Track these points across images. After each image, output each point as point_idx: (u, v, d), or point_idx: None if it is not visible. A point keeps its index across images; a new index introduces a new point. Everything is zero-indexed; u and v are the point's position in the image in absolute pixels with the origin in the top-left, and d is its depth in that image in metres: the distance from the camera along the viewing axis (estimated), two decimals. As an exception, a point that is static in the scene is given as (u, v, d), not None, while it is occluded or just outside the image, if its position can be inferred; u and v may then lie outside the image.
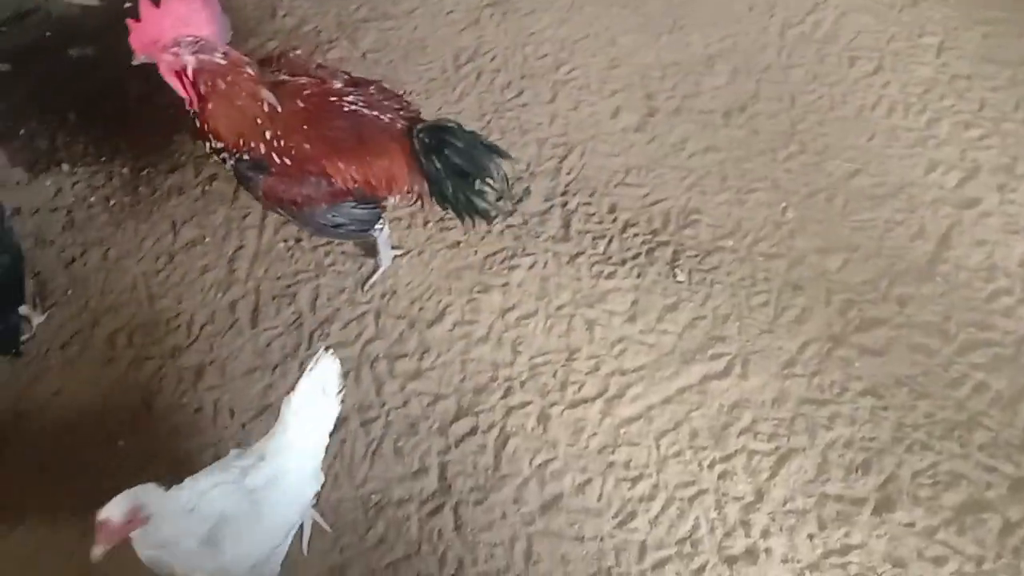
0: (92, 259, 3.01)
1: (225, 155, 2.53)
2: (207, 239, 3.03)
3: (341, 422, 2.59)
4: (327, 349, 2.11)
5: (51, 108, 3.40)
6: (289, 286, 2.90)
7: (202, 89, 2.43)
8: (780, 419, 2.56)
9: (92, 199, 3.15)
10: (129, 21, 2.40)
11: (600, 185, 3.09)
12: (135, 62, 2.45)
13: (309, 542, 2.38)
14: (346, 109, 2.53)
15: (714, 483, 2.46)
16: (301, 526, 2.33)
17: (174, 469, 2.54)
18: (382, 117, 2.56)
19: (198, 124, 2.51)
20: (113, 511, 1.75)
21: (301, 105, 2.49)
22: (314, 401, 2.09)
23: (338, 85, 2.57)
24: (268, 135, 2.46)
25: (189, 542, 1.88)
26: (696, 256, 2.91)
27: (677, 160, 3.14)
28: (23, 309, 2.75)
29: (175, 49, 2.38)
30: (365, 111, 2.55)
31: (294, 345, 2.77)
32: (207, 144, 2.53)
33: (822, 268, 2.87)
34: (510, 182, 2.73)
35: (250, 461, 2.03)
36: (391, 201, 2.71)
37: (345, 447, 2.59)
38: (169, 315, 2.85)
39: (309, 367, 2.08)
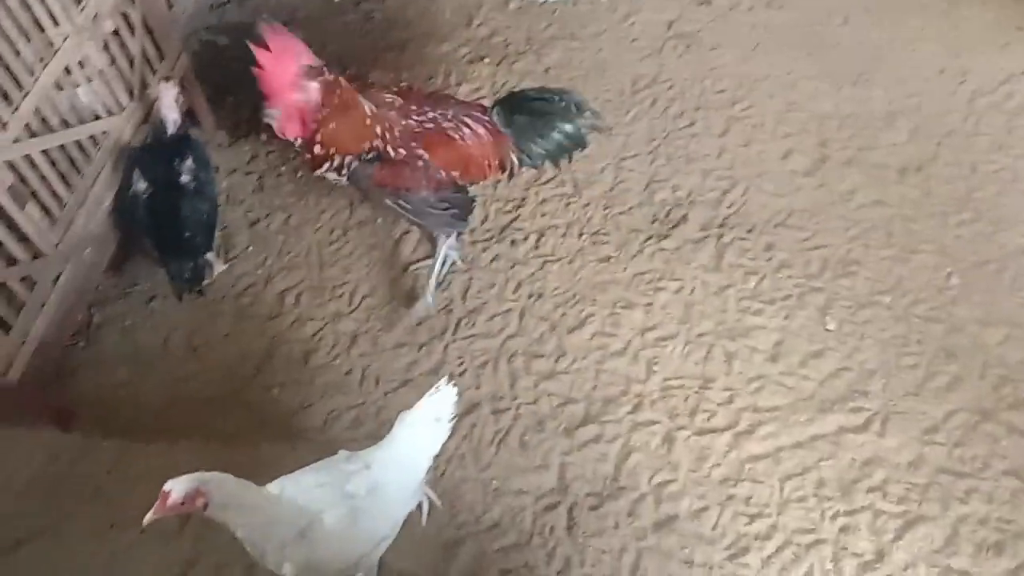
0: (274, 223, 3.28)
1: (344, 166, 2.63)
2: (379, 220, 3.24)
3: (473, 407, 2.74)
4: (450, 379, 2.17)
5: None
6: (445, 275, 3.06)
7: (323, 113, 2.53)
8: (914, 484, 2.48)
9: (282, 169, 3.44)
10: (257, 72, 2.51)
11: (760, 223, 3.10)
12: (268, 119, 2.57)
13: (428, 514, 2.51)
14: (431, 106, 2.71)
15: (834, 535, 2.42)
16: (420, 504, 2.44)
17: (319, 423, 2.76)
18: (464, 108, 2.77)
19: (317, 150, 2.59)
20: (176, 487, 1.77)
21: (395, 103, 2.66)
22: (427, 424, 2.14)
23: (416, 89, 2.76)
24: (379, 131, 2.60)
25: (283, 534, 1.92)
26: (850, 307, 2.86)
27: (844, 210, 3.11)
28: (210, 256, 3.04)
29: (301, 83, 2.49)
30: (447, 106, 2.74)
31: (441, 328, 2.93)
32: (328, 164, 2.62)
33: (981, 340, 2.76)
34: (585, 106, 2.78)
35: (356, 467, 2.07)
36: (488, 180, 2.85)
37: (475, 431, 2.70)
38: (335, 283, 3.07)
39: (430, 392, 2.15)
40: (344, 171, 2.64)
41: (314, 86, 2.50)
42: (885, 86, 3.47)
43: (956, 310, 2.83)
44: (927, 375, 2.69)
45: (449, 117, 2.71)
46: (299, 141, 2.61)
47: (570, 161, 2.85)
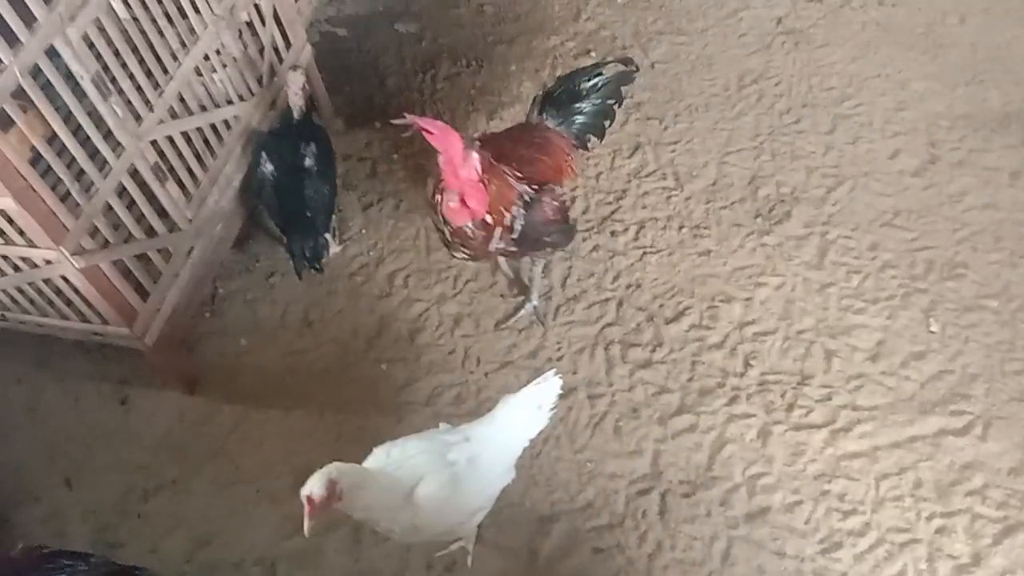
0: (386, 207, 3.44)
1: (515, 220, 2.58)
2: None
3: (570, 392, 2.84)
4: (556, 373, 2.27)
5: (374, 72, 3.90)
6: (545, 264, 3.15)
7: (486, 179, 2.47)
8: (1015, 490, 2.46)
9: (395, 156, 3.60)
10: (442, 162, 2.44)
11: (865, 222, 3.08)
12: (450, 200, 2.49)
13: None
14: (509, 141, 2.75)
15: (930, 536, 2.42)
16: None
17: (424, 398, 2.90)
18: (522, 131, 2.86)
19: (490, 218, 2.52)
20: (315, 487, 1.87)
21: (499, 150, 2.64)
22: (529, 410, 2.26)
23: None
24: (516, 175, 2.61)
25: (392, 500, 2.05)
26: (955, 310, 2.83)
27: (952, 212, 3.07)
28: (327, 236, 3.22)
29: (468, 158, 2.41)
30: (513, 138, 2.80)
31: (541, 314, 3.03)
32: (501, 229, 2.56)
33: (1094, 347, 2.70)
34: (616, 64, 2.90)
35: (456, 438, 2.20)
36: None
37: (571, 414, 2.80)
38: (441, 267, 3.21)
39: (536, 381, 2.26)
40: (516, 225, 2.58)
41: (475, 156, 2.42)
42: (1001, 87, 3.39)
43: (1067, 318, 2.78)
44: (1034, 382, 2.66)
45: (524, 144, 2.75)
46: (473, 221, 2.52)
47: (611, 123, 2.94)
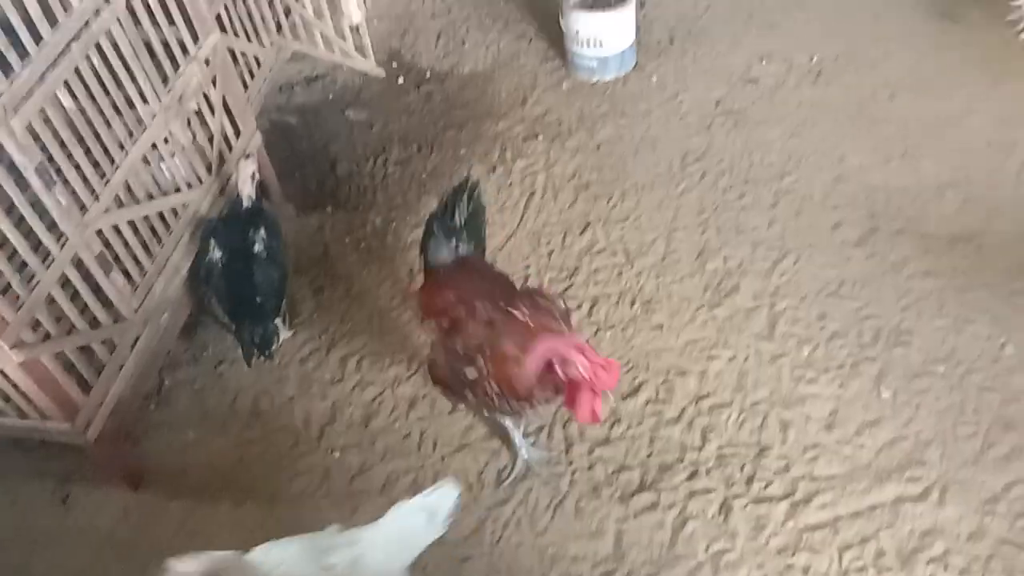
0: (338, 291, 3.42)
1: None
2: (436, 288, 3.36)
3: (527, 472, 2.79)
4: (454, 480, 2.23)
5: (324, 158, 3.94)
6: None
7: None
8: (975, 555, 2.45)
9: (346, 240, 3.60)
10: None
11: (811, 293, 3.14)
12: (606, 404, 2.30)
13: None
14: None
15: (896, 607, 2.39)
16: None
17: (379, 486, 2.83)
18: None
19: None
20: (188, 567, 1.85)
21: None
22: (419, 519, 2.17)
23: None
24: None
25: None
26: (904, 377, 2.87)
27: (895, 280, 3.14)
28: (277, 322, 3.18)
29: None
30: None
31: (532, 461, 2.92)
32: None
33: (1042, 410, 2.75)
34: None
35: (340, 542, 2.11)
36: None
37: (530, 496, 2.75)
38: (395, 349, 3.18)
39: (429, 490, 2.20)
40: None
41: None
42: (934, 159, 3.52)
43: (1012, 380, 2.82)
44: (985, 445, 2.68)
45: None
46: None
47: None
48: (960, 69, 3.85)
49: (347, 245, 3.58)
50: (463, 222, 2.78)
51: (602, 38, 3.92)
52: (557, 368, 2.23)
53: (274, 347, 3.13)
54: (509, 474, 2.82)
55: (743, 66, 4.05)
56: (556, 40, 4.16)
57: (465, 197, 2.80)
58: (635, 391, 2.96)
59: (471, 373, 2.43)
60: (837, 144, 3.64)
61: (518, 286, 2.73)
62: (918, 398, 2.82)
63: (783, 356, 2.98)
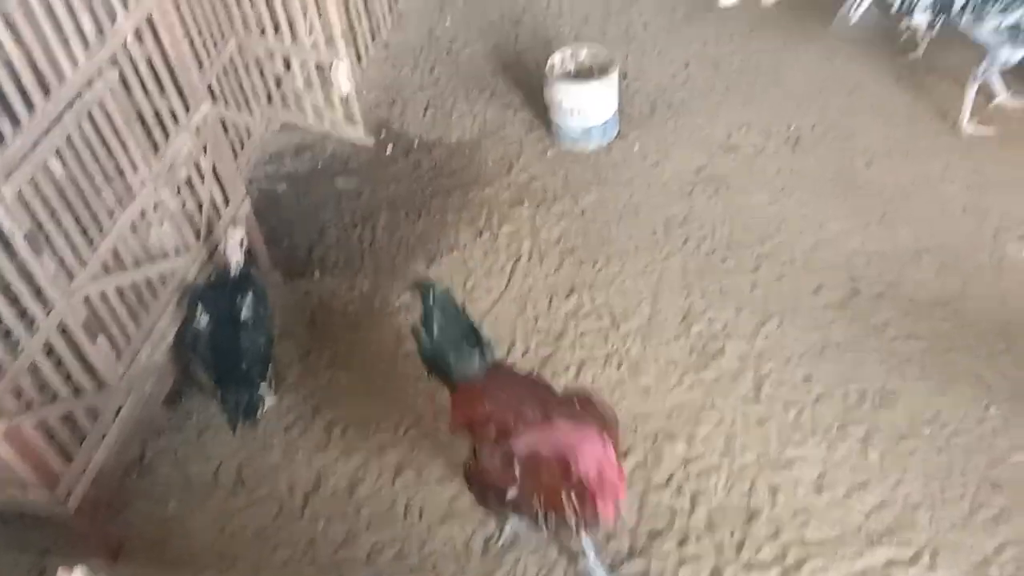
0: (324, 357, 3.41)
1: None
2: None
3: (515, 540, 2.76)
4: None
5: (312, 225, 3.97)
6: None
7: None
8: (971, 621, 2.43)
9: (333, 306, 3.61)
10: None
11: (795, 356, 3.17)
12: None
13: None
14: None
15: (892, 675, 2.35)
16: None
17: (364, 555, 2.78)
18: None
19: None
20: None
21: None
22: None
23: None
24: None
25: None
26: (891, 439, 2.88)
27: (878, 342, 3.18)
28: (263, 388, 3.16)
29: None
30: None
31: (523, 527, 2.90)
32: None
33: (1026, 472, 2.76)
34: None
35: None
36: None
37: (519, 566, 2.71)
38: (381, 415, 3.16)
39: None
40: None
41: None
42: (910, 224, 3.60)
43: (997, 441, 2.84)
44: (973, 507, 2.68)
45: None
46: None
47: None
48: (934, 137, 3.97)
49: (334, 311, 3.59)
50: (443, 332, 2.67)
51: (585, 108, 4.02)
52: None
53: (259, 414, 3.11)
54: (497, 542, 2.79)
55: (722, 135, 4.15)
56: (541, 110, 4.26)
57: (432, 308, 2.68)
58: (623, 455, 2.94)
59: (511, 492, 2.37)
60: (816, 210, 3.71)
61: (557, 390, 2.64)
62: (905, 460, 2.82)
63: (770, 419, 2.99)
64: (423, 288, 2.72)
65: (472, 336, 2.68)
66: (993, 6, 3.60)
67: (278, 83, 4.12)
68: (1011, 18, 3.60)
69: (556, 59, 4.18)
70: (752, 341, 3.24)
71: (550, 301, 3.50)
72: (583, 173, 4.07)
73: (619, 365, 3.23)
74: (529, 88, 4.46)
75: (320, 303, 3.63)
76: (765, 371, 3.14)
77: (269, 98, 4.03)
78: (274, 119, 4.12)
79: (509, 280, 3.61)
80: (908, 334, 3.19)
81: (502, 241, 3.78)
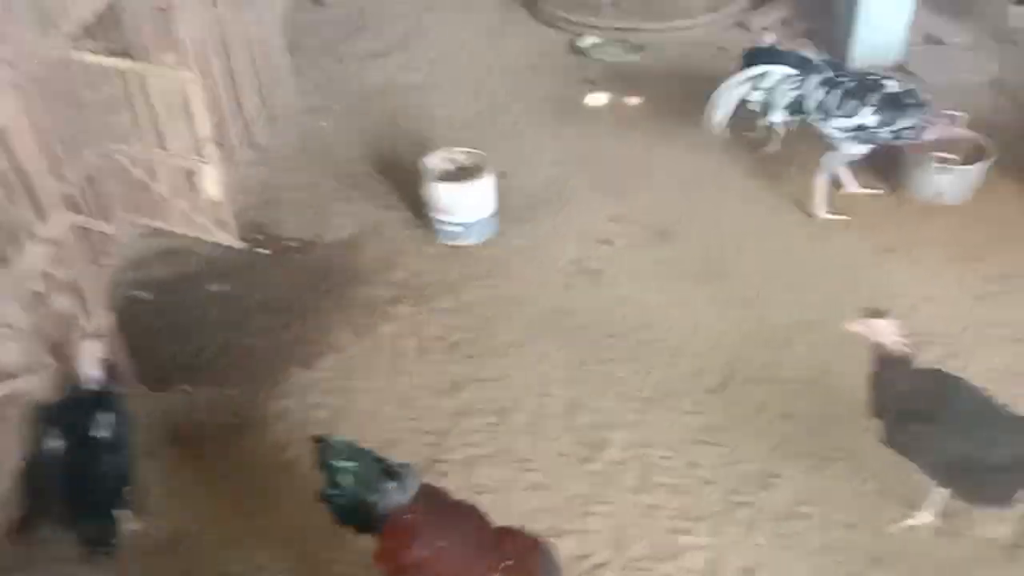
0: (191, 474, 3.19)
1: None
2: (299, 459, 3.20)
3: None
4: None
5: (182, 333, 3.78)
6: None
7: None
8: None
9: (201, 418, 3.41)
10: None
11: (680, 442, 3.20)
12: None
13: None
14: None
15: None
16: None
17: None
18: None
19: None
20: None
21: None
22: None
23: None
24: None
25: None
26: (775, 520, 2.91)
27: (757, 423, 3.25)
28: (121, 513, 2.90)
29: None
30: None
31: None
32: None
33: (906, 543, 2.82)
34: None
35: None
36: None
37: None
38: (253, 535, 2.96)
39: None
40: None
41: None
42: (778, 306, 3.76)
43: (875, 515, 2.91)
44: (859, 583, 2.72)
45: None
46: None
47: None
48: (793, 224, 4.21)
49: (204, 424, 3.39)
50: (355, 480, 2.53)
51: (464, 207, 4.07)
52: None
53: (117, 542, 2.85)
54: None
55: (598, 228, 4.27)
56: (420, 208, 4.28)
57: (334, 465, 2.54)
58: (515, 557, 2.85)
59: None
60: (690, 297, 3.83)
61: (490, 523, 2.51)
62: (791, 540, 2.85)
63: (658, 508, 2.98)
64: (320, 446, 2.58)
65: (386, 472, 2.54)
66: (839, 110, 3.94)
67: (144, 189, 3.98)
68: (854, 121, 3.94)
69: (433, 160, 4.24)
70: (637, 429, 3.26)
71: (435, 399, 3.43)
72: (464, 269, 4.08)
73: (507, 462, 3.16)
74: (408, 187, 4.48)
75: (189, 417, 3.42)
76: (651, 459, 3.14)
77: (134, 205, 3.88)
78: (139, 226, 3.96)
79: (392, 379, 3.52)
80: (784, 413, 3.29)
81: (383, 340, 3.71)
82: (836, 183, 4.29)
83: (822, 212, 4.18)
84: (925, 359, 3.38)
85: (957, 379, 2.75)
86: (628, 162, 4.72)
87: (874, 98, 3.89)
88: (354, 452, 2.58)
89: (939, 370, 2.79)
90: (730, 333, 3.64)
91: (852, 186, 4.32)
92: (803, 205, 4.25)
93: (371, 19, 6.39)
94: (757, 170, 4.56)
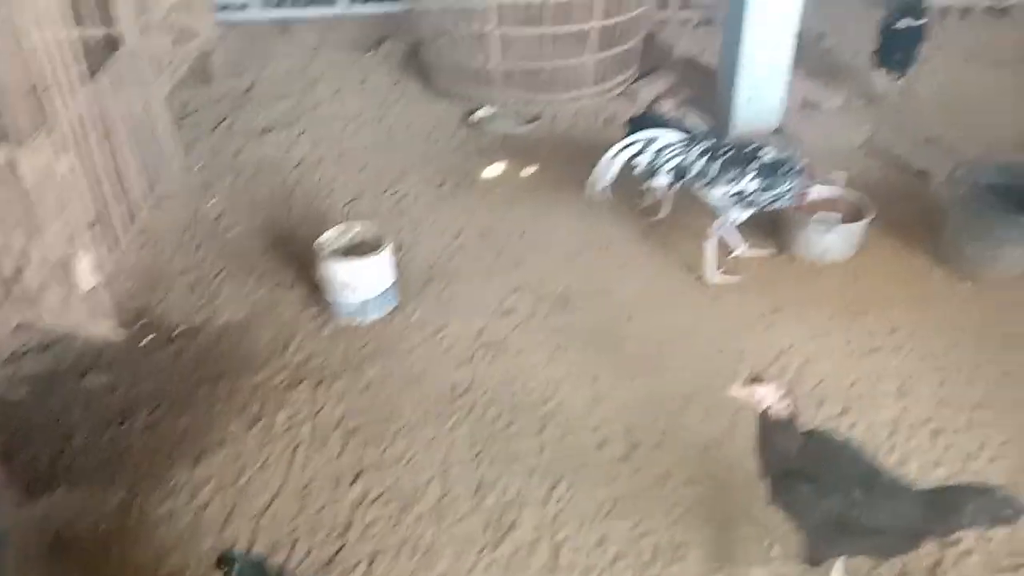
0: (70, 587, 2.95)
1: None
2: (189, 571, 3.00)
3: None
4: None
5: (58, 431, 3.53)
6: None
7: None
8: None
9: (82, 523, 3.16)
10: None
11: (588, 517, 3.15)
12: None
13: None
14: None
15: None
16: None
17: None
18: None
19: None
20: None
21: None
22: None
23: None
24: None
25: None
26: (686, 592, 2.89)
27: (662, 492, 3.24)
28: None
29: None
30: None
31: None
32: None
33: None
34: None
35: None
36: None
37: None
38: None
39: None
40: None
41: None
42: (675, 372, 3.80)
43: (789, 580, 2.93)
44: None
45: None
46: None
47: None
48: (685, 289, 4.30)
49: (83, 530, 3.14)
50: None
51: (360, 283, 3.99)
52: None
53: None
54: None
55: (497, 300, 4.25)
56: (315, 286, 4.17)
57: None
58: (423, 655, 2.72)
59: None
60: (589, 366, 3.84)
61: None
62: (703, 614, 2.83)
63: (570, 588, 2.91)
64: (225, 562, 2.44)
65: None
66: (720, 178, 4.09)
67: (15, 280, 3.74)
68: (736, 187, 4.09)
69: (327, 236, 4.16)
70: (545, 507, 3.20)
71: (334, 490, 3.28)
72: (363, 348, 3.98)
73: (412, 554, 3.04)
74: (302, 265, 4.38)
75: (66, 522, 3.17)
76: (560, 537, 3.08)
77: (3, 297, 3.64)
78: (9, 319, 3.71)
79: (288, 471, 3.36)
80: (688, 480, 3.29)
81: (278, 429, 3.55)
82: (726, 246, 4.43)
83: (713, 276, 4.29)
84: (819, 416, 3.52)
85: (839, 440, 2.82)
86: (525, 231, 4.76)
87: (753, 166, 4.06)
88: (263, 570, 2.46)
89: (822, 431, 2.85)
90: (631, 401, 3.65)
91: (741, 249, 4.46)
92: (695, 269, 4.35)
93: (261, 93, 6.34)
94: (649, 235, 4.67)
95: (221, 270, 4.48)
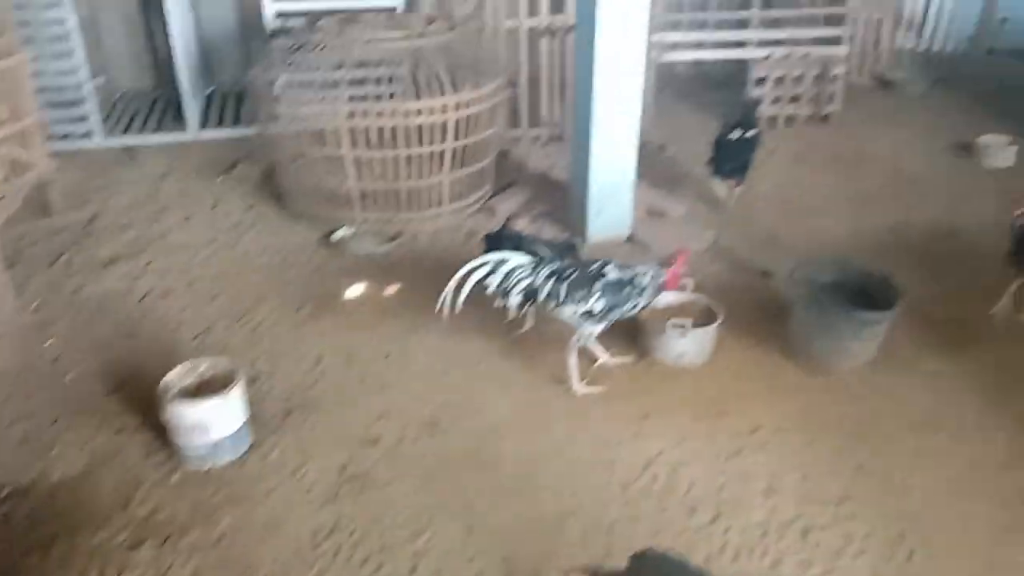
0: None
1: None
2: None
3: None
4: None
5: None
6: None
7: None
8: None
9: None
10: None
11: (465, 662, 2.96)
12: None
13: None
14: None
15: None
16: None
17: None
18: None
19: None
20: None
21: None
22: None
23: None
24: None
25: None
26: None
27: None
28: None
29: None
30: None
31: None
32: None
33: None
34: None
35: None
36: None
37: None
38: None
39: None
40: None
41: None
42: (549, 491, 3.72)
43: None
44: None
45: None
46: None
47: None
48: (553, 402, 4.27)
49: None
50: None
51: (209, 424, 3.73)
52: None
53: None
54: None
55: (363, 428, 4.08)
56: (161, 430, 3.87)
57: None
58: None
59: None
60: (462, 492, 3.70)
61: None
62: None
63: None
64: None
65: None
66: (568, 299, 4.15)
67: None
68: (584, 307, 4.16)
69: (172, 376, 3.90)
70: (418, 655, 2.99)
71: (186, 664, 2.97)
72: (215, 495, 3.69)
73: None
74: (148, 406, 4.07)
75: None
76: None
77: None
78: None
79: (130, 646, 3.02)
80: (568, 608, 3.17)
81: (120, 596, 3.21)
82: (591, 355, 4.46)
83: (578, 387, 4.30)
84: (691, 524, 3.50)
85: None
86: (390, 353, 4.65)
87: (598, 286, 4.15)
88: None
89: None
90: (507, 526, 3.53)
91: (603, 358, 4.51)
92: (563, 381, 4.35)
93: (105, 224, 6.07)
94: (516, 349, 4.65)
95: (57, 418, 4.12)
